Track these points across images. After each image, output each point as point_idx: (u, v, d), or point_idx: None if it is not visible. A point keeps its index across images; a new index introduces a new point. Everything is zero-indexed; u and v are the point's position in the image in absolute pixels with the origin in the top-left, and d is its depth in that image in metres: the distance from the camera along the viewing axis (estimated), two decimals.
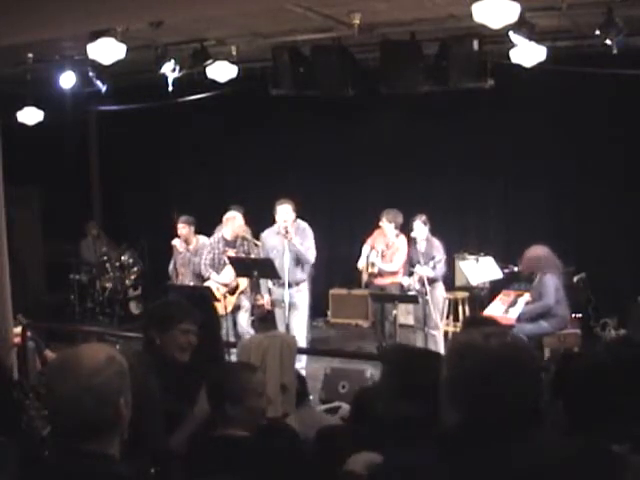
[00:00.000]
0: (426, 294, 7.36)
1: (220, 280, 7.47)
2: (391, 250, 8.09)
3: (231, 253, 7.49)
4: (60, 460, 1.88)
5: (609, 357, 2.33)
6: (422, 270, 7.45)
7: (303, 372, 4.74)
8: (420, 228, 7.66)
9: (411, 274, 7.58)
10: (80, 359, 1.93)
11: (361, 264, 8.35)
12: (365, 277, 8.41)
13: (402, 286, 7.84)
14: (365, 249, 8.35)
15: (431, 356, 2.83)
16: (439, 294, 7.78)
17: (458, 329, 8.43)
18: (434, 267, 7.49)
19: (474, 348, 1.76)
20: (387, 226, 7.85)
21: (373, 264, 8.15)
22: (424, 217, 7.69)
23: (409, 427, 2.40)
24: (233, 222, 7.59)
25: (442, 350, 7.62)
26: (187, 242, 8.44)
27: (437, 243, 7.71)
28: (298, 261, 7.28)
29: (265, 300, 7.54)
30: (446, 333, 7.93)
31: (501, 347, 1.76)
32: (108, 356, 1.95)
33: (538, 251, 7.20)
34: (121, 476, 1.90)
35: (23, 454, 2.61)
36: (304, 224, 7.56)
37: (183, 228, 8.41)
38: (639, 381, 2.27)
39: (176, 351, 3.32)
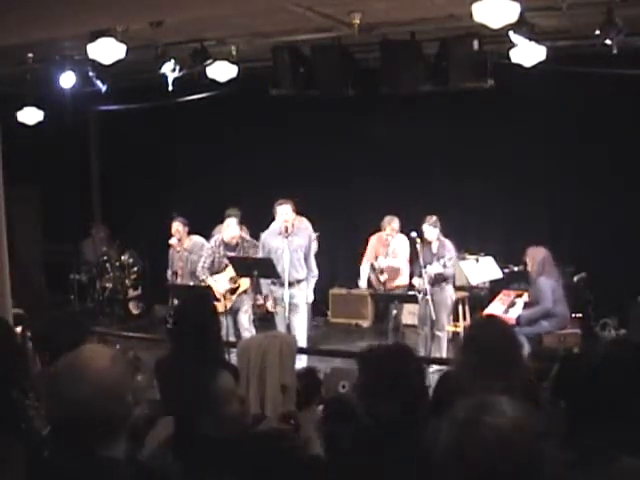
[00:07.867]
0: (425, 294, 7.34)
1: (216, 286, 7.37)
2: (392, 248, 8.13)
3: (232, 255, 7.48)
4: (67, 461, 1.87)
5: (611, 357, 2.32)
6: (433, 269, 7.44)
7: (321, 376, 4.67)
8: (429, 230, 7.64)
9: (421, 275, 7.53)
10: (87, 361, 1.93)
11: (362, 284, 8.34)
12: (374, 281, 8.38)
13: (413, 286, 7.83)
14: (364, 267, 8.31)
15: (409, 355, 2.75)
16: (447, 295, 7.74)
17: (458, 329, 8.42)
18: (444, 265, 7.47)
19: None
20: (394, 232, 8.07)
21: (382, 271, 8.13)
22: (433, 219, 7.65)
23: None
24: (227, 230, 7.58)
25: (444, 352, 7.61)
26: (181, 241, 8.46)
27: (448, 243, 7.69)
28: (299, 261, 7.28)
29: (266, 301, 7.54)
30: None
31: None
32: (112, 356, 1.96)
33: (534, 253, 7.20)
34: (125, 476, 1.89)
35: (27, 454, 2.60)
36: (305, 223, 7.58)
37: (181, 228, 8.41)
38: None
39: None
